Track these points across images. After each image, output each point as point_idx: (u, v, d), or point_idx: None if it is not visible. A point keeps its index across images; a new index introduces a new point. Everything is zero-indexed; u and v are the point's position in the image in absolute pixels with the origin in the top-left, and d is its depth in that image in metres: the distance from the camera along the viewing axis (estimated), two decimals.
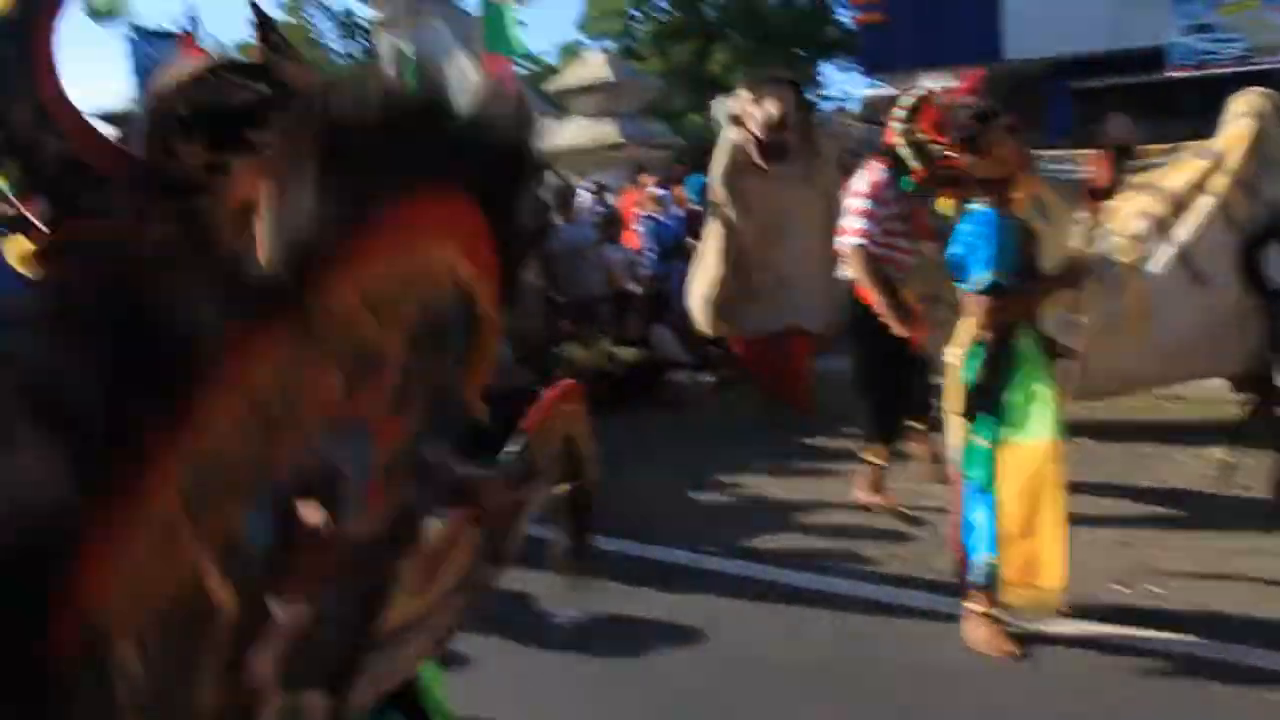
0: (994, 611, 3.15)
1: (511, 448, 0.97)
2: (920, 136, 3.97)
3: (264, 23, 0.98)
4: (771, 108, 5.66)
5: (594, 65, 12.07)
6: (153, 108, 0.95)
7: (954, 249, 3.15)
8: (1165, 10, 10.84)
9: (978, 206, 3.13)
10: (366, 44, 23.26)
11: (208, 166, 0.89)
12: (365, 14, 17.40)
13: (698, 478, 5.21)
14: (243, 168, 0.81)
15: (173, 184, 0.91)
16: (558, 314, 7.08)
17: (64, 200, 0.96)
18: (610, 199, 9.44)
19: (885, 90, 19.18)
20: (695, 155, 10.83)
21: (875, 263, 4.20)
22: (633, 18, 30.33)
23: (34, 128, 0.96)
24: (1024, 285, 3.11)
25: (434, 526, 0.84)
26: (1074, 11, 10.96)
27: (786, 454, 5.53)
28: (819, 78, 32.18)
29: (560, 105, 12.59)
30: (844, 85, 53.63)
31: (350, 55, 25.32)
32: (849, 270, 4.31)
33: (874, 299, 4.16)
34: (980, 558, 3.09)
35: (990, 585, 3.10)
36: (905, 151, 4.09)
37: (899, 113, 4.12)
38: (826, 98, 31.95)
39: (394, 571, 0.77)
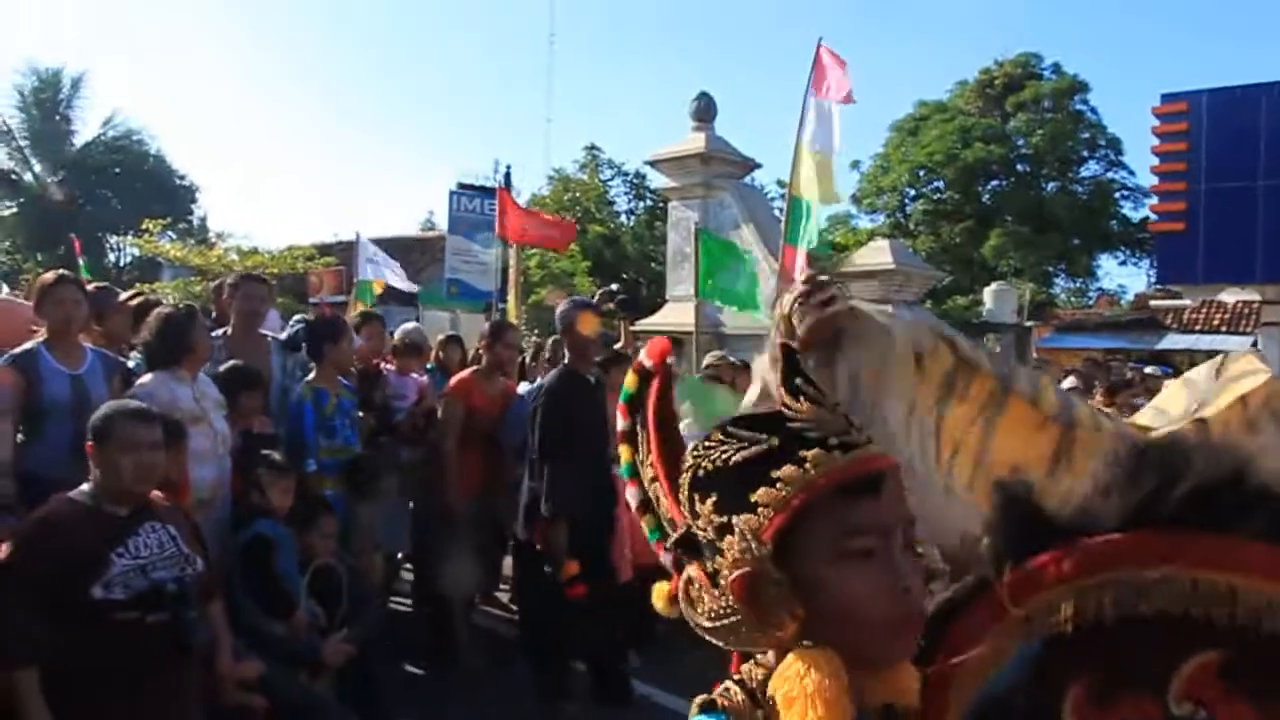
0: None
1: None
2: None
3: (793, 370, 0.91)
4: None
5: (876, 251, 12.36)
6: (688, 468, 0.94)
7: None
8: None
9: None
10: (655, 206, 24.81)
11: (719, 528, 0.89)
12: (657, 180, 18.74)
13: None
14: (744, 527, 0.86)
15: (694, 544, 0.94)
16: None
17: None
18: None
19: (1177, 302, 18.03)
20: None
21: None
22: (908, 195, 30.72)
23: (651, 484, 1.09)
24: None
25: None
26: None
27: None
28: (1095, 269, 31.08)
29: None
30: (1120, 279, 51.08)
31: (635, 214, 27.09)
32: None
33: None
34: None
35: None
36: None
37: None
38: (1102, 290, 30.76)
39: None
